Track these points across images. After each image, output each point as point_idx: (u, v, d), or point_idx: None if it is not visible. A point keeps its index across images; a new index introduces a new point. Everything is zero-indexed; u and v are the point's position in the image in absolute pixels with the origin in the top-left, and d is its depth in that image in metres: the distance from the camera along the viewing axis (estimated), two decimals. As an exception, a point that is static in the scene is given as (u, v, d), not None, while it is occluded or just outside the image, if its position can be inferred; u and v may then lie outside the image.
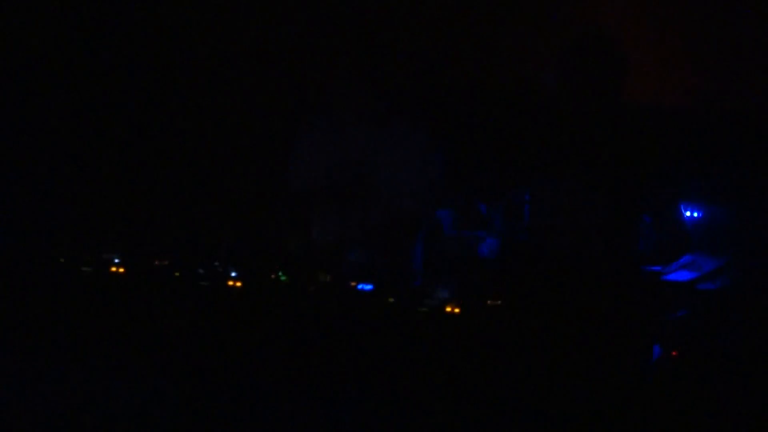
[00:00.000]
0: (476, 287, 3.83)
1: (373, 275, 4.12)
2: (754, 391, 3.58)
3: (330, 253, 4.61)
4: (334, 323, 3.77)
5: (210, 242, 5.20)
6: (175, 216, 6.00)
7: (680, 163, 4.43)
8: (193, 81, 6.23)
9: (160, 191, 6.16)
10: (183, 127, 6.27)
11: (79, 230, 5.67)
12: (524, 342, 3.66)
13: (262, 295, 3.90)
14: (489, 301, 3.79)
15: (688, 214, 5.53)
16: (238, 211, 6.01)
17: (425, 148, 4.64)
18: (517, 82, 5.85)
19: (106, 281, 3.98)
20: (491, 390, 3.62)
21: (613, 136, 4.22)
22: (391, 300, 3.81)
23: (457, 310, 3.73)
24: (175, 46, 6.23)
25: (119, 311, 3.93)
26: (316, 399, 3.75)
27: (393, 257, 4.60)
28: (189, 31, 6.22)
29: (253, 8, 6.18)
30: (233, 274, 3.97)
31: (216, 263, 4.05)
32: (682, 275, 5.30)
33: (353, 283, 3.95)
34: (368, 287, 3.92)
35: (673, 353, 3.70)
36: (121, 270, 4.01)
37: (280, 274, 3.99)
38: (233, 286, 3.92)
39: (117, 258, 4.06)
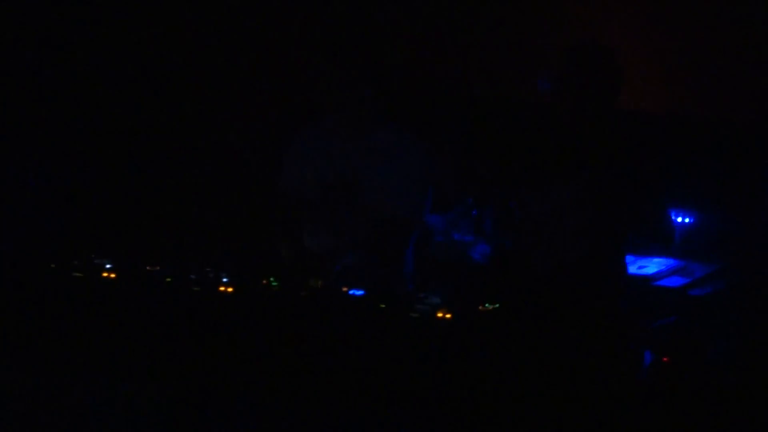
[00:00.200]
0: (468, 292, 3.83)
1: (365, 281, 4.12)
2: (746, 398, 3.58)
3: (321, 259, 4.61)
4: (326, 329, 3.77)
5: (202, 248, 5.21)
6: (167, 222, 6.00)
7: (671, 169, 4.44)
8: (185, 89, 6.24)
9: (152, 197, 6.16)
10: (175, 134, 6.27)
11: (71, 235, 5.68)
12: (516, 347, 3.66)
13: (254, 300, 3.90)
14: (481, 307, 3.79)
15: (679, 219, 5.53)
16: (229, 216, 6.01)
17: (416, 154, 4.64)
18: (509, 88, 5.86)
19: (97, 286, 3.97)
20: (483, 395, 3.62)
21: (605, 143, 4.22)
22: (383, 306, 3.81)
23: (448, 316, 3.73)
24: (167, 55, 6.23)
25: (110, 317, 3.92)
26: (308, 404, 3.75)
27: (384, 263, 4.60)
28: (181, 40, 6.23)
29: (242, 18, 6.19)
30: (225, 280, 3.96)
31: (208, 269, 4.05)
32: (673, 281, 5.31)
33: (345, 289, 3.95)
34: (359, 293, 3.92)
35: (664, 359, 3.70)
36: (113, 275, 4.00)
37: (271, 279, 3.99)
38: (225, 292, 3.91)
39: (108, 263, 4.05)
